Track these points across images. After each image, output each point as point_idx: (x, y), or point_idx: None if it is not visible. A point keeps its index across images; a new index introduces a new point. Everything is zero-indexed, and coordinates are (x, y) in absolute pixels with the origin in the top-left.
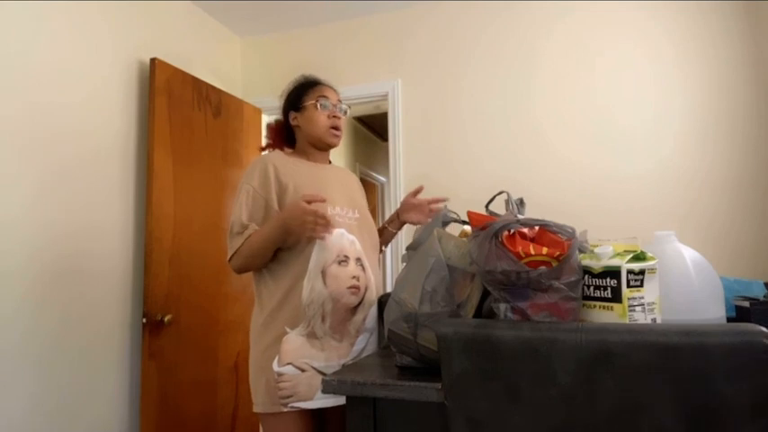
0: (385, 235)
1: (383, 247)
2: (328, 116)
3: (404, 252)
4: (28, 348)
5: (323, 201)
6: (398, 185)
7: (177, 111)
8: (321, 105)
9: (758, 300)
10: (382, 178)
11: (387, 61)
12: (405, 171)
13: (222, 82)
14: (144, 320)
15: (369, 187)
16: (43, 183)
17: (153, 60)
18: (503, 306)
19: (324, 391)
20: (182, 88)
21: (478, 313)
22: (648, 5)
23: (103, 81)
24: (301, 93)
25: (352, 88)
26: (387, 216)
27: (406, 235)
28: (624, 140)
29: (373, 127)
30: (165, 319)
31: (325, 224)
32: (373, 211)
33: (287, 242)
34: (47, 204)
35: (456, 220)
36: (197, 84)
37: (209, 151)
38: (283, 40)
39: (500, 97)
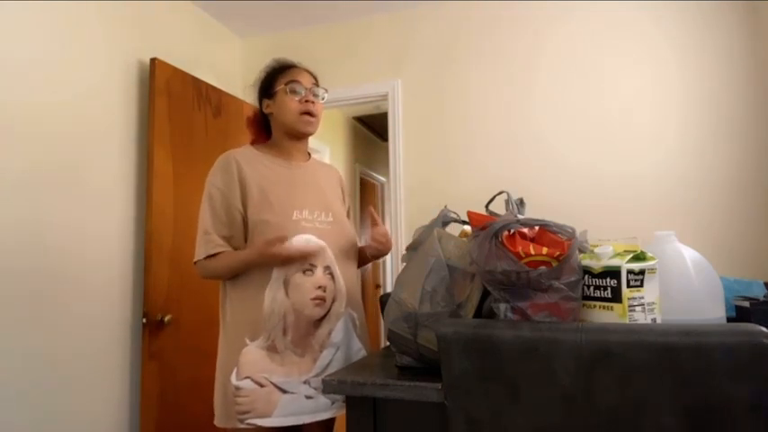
0: (361, 256)
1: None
2: (300, 101)
3: (404, 252)
4: (27, 348)
5: (284, 239)
6: (398, 185)
7: (177, 111)
8: (291, 90)
9: (758, 300)
10: (382, 178)
11: (387, 61)
12: (405, 171)
13: (222, 82)
14: (144, 321)
15: (369, 187)
16: (43, 182)
17: (153, 60)
18: (503, 306)
19: (324, 392)
20: (182, 88)
21: (478, 313)
22: (648, 6)
23: (103, 81)
24: (272, 78)
25: (352, 88)
26: (386, 216)
27: (406, 235)
28: (624, 140)
29: (373, 127)
30: (165, 319)
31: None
32: None
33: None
34: (47, 204)
35: (456, 220)
36: (197, 84)
37: (209, 151)
38: (283, 40)
39: (500, 97)
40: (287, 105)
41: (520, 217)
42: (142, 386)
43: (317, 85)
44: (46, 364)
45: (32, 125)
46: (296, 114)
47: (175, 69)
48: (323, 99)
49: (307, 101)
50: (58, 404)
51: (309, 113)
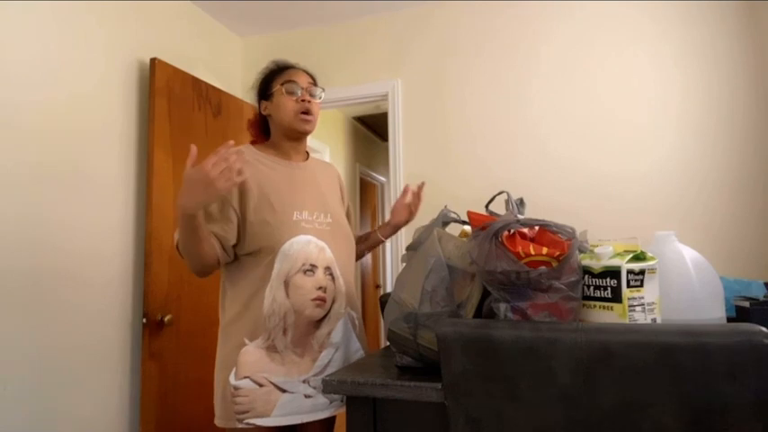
0: (371, 240)
1: (362, 255)
2: (296, 101)
3: (404, 252)
4: (27, 349)
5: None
6: (398, 185)
7: (177, 111)
8: (287, 91)
9: (758, 300)
10: (382, 178)
11: (387, 61)
12: (405, 171)
13: (222, 82)
14: (144, 321)
15: (369, 187)
16: (43, 182)
17: (153, 60)
18: (503, 306)
19: (324, 391)
20: (182, 88)
21: (478, 313)
22: (648, 6)
23: (103, 81)
24: (269, 80)
25: (352, 88)
26: (386, 217)
27: (406, 235)
28: (624, 140)
29: (373, 127)
30: (165, 319)
31: (234, 160)
32: (373, 211)
33: (196, 223)
34: (47, 203)
35: (456, 220)
36: (197, 84)
37: (210, 151)
38: (283, 40)
39: (500, 97)
40: (284, 105)
41: (520, 217)
42: (142, 386)
43: (314, 84)
44: (45, 363)
45: (32, 125)
46: (293, 114)
47: (175, 69)
48: (320, 99)
49: (303, 100)
50: (57, 404)
51: (306, 112)
